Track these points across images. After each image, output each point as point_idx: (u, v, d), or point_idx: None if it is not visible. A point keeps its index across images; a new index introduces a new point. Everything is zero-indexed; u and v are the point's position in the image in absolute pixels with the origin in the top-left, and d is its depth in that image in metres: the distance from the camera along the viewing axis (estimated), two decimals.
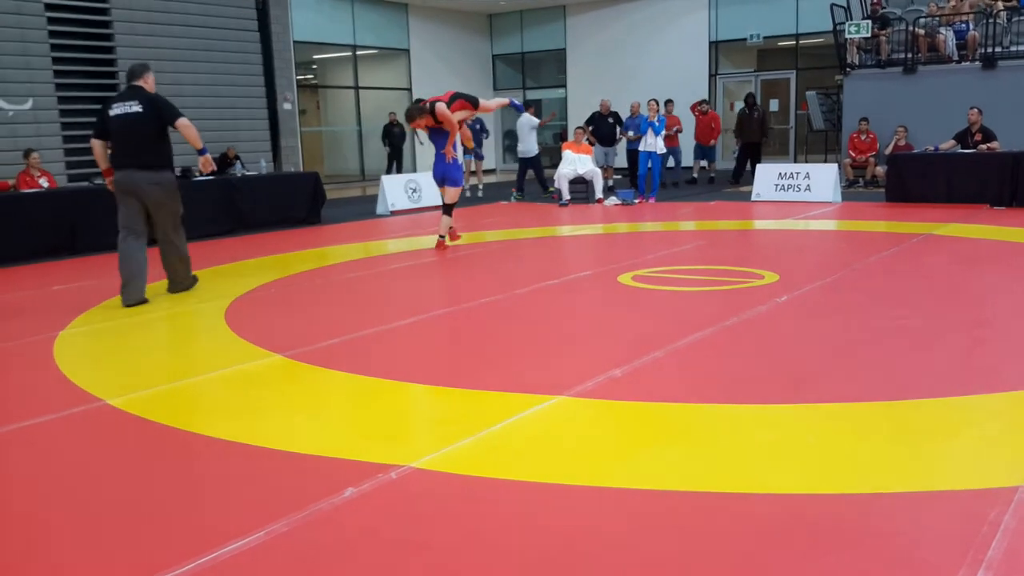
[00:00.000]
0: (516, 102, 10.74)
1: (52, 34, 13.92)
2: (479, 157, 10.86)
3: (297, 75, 19.04)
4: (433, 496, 3.09)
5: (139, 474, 3.44)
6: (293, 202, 12.57)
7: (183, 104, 15.40)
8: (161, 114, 6.79)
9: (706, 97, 17.86)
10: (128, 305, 6.73)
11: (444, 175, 9.20)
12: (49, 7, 13.85)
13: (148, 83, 6.96)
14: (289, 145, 18.17)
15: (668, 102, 16.62)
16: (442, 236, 9.32)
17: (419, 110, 8.95)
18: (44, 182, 11.21)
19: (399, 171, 18.88)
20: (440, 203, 9.46)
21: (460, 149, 9.37)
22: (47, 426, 4.01)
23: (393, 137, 19.21)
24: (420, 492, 3.13)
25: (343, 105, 22.01)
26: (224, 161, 13.47)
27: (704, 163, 17.40)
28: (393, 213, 13.69)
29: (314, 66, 22.18)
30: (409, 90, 22.10)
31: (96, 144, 6.98)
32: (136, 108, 6.76)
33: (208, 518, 2.99)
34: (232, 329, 5.82)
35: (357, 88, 21.40)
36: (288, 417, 4.03)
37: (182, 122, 6.73)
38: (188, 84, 15.44)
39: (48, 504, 3.18)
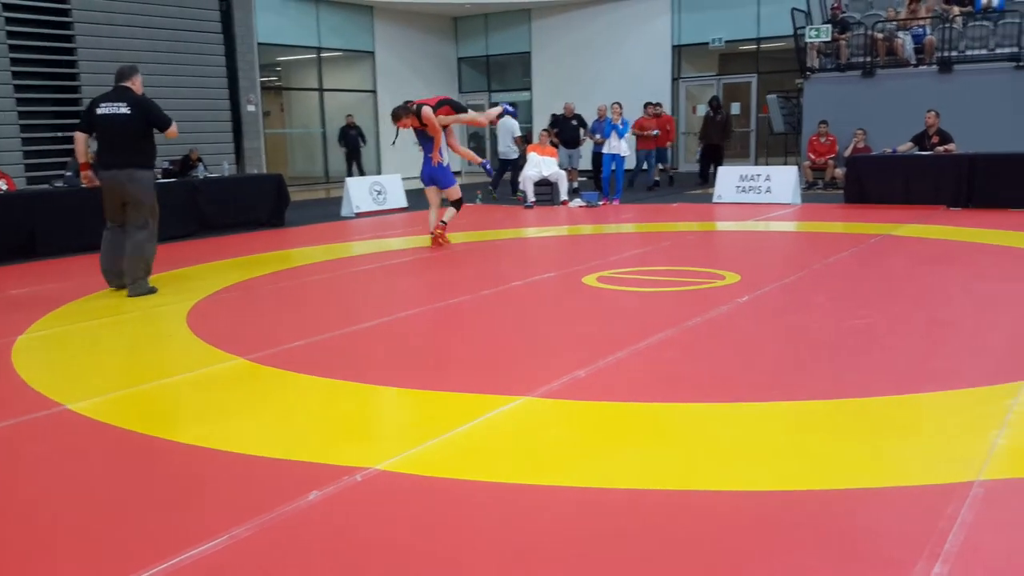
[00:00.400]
0: (509, 107, 10.85)
1: (10, 35, 13.70)
2: (488, 172, 10.90)
3: (261, 77, 18.89)
4: (399, 498, 3.09)
5: (99, 479, 3.41)
6: (256, 204, 12.47)
7: None
8: (149, 119, 7.18)
9: (659, 101, 17.94)
10: (117, 287, 7.28)
11: (432, 178, 9.41)
12: (7, 7, 13.63)
13: (136, 85, 7.27)
14: (253, 147, 18.02)
15: (648, 104, 16.80)
16: (443, 222, 9.56)
17: (405, 110, 9.15)
18: (3, 185, 11.03)
19: (360, 173, 18.75)
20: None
21: (446, 152, 9.47)
22: (5, 432, 3.95)
23: (349, 139, 19.06)
24: (386, 494, 3.12)
25: (307, 107, 21.89)
26: (187, 163, 13.31)
27: (661, 165, 17.39)
28: (358, 215, 13.63)
29: (278, 68, 22.03)
30: (374, 92, 22.03)
31: (80, 137, 7.30)
32: (124, 110, 7.07)
33: (170, 523, 2.97)
34: (194, 332, 5.77)
35: (321, 90, 21.30)
36: (251, 421, 4.00)
37: (171, 131, 7.22)
38: (150, 86, 15.06)
39: (5, 511, 3.13)
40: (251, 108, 17.88)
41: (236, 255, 9.51)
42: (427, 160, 9.37)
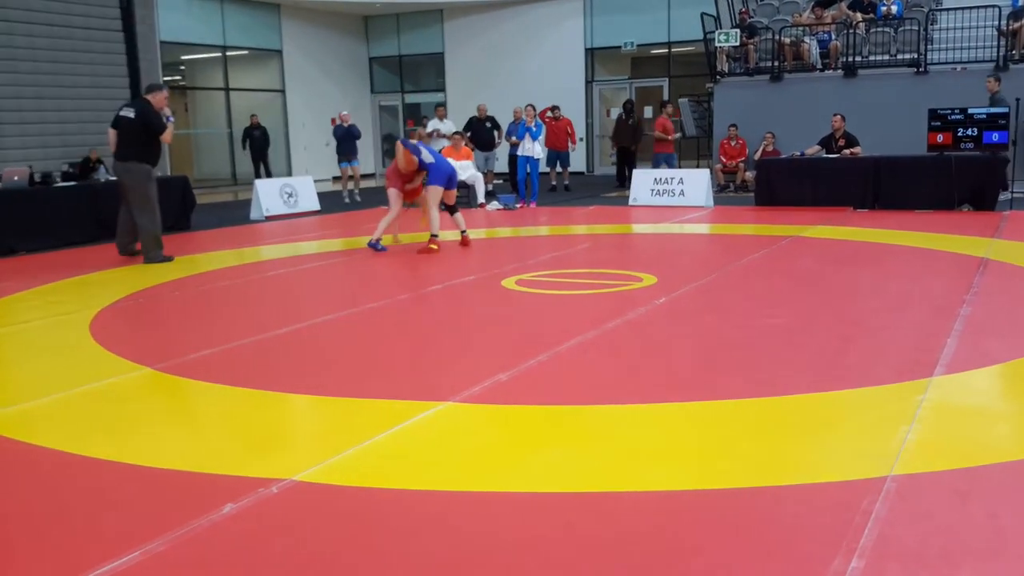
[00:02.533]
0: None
1: None
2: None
3: (164, 76, 18.38)
4: (316, 509, 3.01)
5: (3, 496, 3.24)
6: (161, 207, 12.06)
7: (43, 106, 14.75)
8: (147, 125, 8.82)
9: (569, 103, 17.97)
10: (121, 255, 9.16)
11: (450, 180, 9.36)
12: None
13: (155, 99, 9.03)
14: None
15: (666, 103, 16.32)
16: (464, 231, 9.67)
17: None
18: None
19: (268, 175, 18.33)
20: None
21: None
22: None
23: (254, 140, 18.54)
24: (303, 506, 3.04)
25: (213, 107, 21.40)
26: (87, 165, 12.84)
27: (559, 169, 17.34)
28: (268, 218, 13.36)
29: (182, 67, 21.49)
30: (282, 92, 21.67)
31: (111, 133, 9.07)
32: (130, 114, 8.88)
33: (78, 540, 2.84)
34: (98, 342, 5.55)
35: (227, 90, 20.84)
36: (161, 432, 3.86)
37: (165, 136, 8.96)
38: (48, 85, 14.73)
39: None
40: None
41: (141, 261, 9.20)
42: (446, 160, 9.47)
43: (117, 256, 9.51)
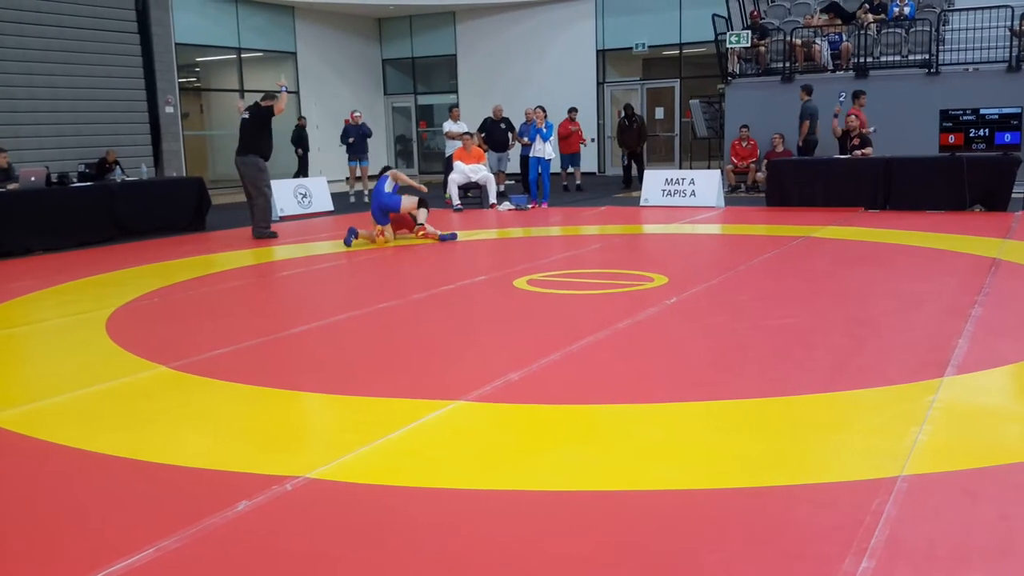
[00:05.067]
0: None
1: None
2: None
3: (180, 78, 18.47)
4: (331, 507, 3.04)
5: (19, 493, 3.27)
6: (176, 208, 12.17)
7: (58, 107, 14.85)
8: (263, 118, 10.60)
9: (583, 105, 17.93)
10: (256, 238, 10.76)
11: None
12: None
13: (265, 104, 10.59)
14: (171, 149, 17.60)
15: (860, 93, 13.78)
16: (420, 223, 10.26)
17: None
18: None
19: (305, 175, 18.24)
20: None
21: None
22: None
23: (303, 140, 18.15)
24: (317, 503, 3.07)
25: (228, 109, 21.45)
26: (103, 166, 12.93)
27: (571, 170, 17.32)
28: (282, 219, 13.41)
29: (197, 68, 21.57)
30: (297, 94, 21.73)
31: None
32: (246, 115, 10.73)
33: (94, 536, 2.87)
34: (114, 341, 5.60)
35: (242, 91, 20.89)
36: (176, 430, 3.90)
37: (279, 106, 10.58)
38: (63, 87, 14.82)
39: None
40: (169, 109, 17.47)
41: (156, 261, 9.26)
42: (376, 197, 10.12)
43: (132, 255, 9.59)
